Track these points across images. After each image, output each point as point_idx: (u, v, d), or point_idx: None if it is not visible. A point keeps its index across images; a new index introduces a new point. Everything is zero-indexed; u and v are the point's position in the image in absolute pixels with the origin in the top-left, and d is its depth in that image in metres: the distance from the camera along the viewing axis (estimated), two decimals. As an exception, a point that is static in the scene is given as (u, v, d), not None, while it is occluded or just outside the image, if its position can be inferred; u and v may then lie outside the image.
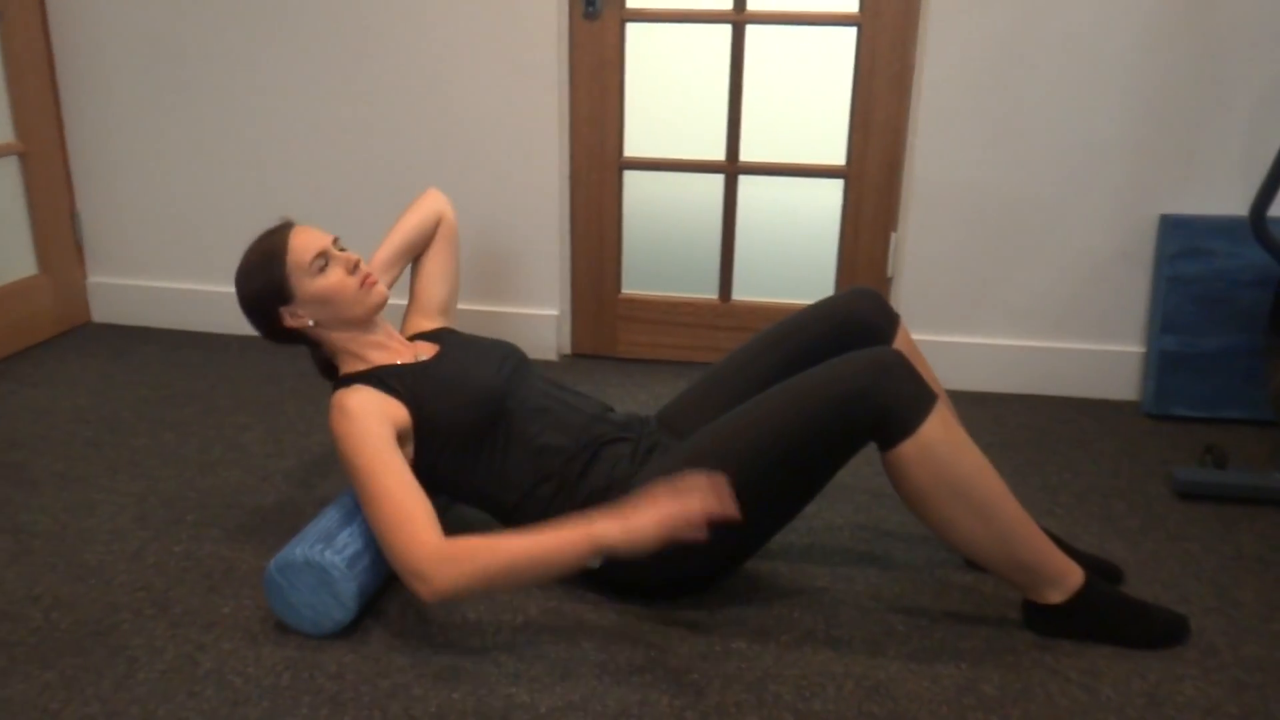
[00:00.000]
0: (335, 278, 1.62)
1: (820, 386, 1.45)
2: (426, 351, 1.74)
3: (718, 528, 1.47)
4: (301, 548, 1.50)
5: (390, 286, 1.88)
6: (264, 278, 1.63)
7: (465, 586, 1.39)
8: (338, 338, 1.68)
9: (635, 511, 1.38)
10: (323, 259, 1.62)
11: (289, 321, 1.65)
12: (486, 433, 1.63)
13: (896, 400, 1.41)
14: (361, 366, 1.68)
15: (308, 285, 1.62)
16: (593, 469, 1.61)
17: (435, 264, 1.96)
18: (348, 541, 1.54)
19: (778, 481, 1.48)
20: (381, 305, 1.68)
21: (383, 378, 1.63)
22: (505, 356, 1.75)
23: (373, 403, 1.56)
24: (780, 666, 1.48)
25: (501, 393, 1.65)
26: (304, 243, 1.63)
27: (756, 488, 1.48)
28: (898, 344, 1.73)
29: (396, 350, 1.71)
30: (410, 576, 1.41)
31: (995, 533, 1.45)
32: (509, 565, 1.38)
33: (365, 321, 1.67)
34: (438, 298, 1.95)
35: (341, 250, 1.67)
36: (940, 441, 1.42)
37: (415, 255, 1.96)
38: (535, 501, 1.62)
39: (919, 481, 1.44)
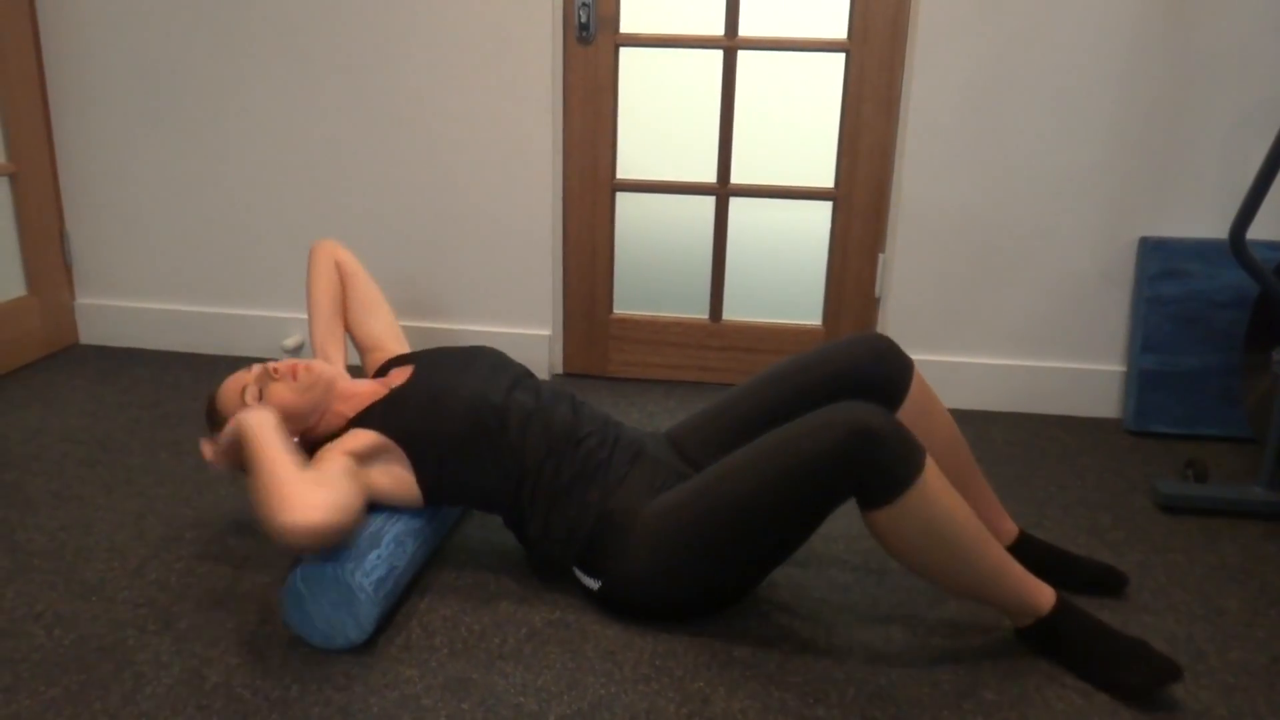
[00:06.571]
0: (275, 394, 1.69)
1: (802, 449, 1.42)
2: (400, 378, 1.78)
3: (716, 567, 1.51)
4: (332, 563, 1.51)
5: (342, 349, 2.00)
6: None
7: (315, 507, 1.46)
8: (319, 425, 1.74)
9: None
10: (254, 387, 1.69)
11: None
12: (481, 439, 1.64)
13: (872, 472, 1.38)
14: (340, 423, 1.75)
15: None
16: (593, 471, 1.64)
17: (357, 306, 2.02)
18: (376, 565, 1.55)
19: (764, 533, 1.48)
20: (325, 378, 1.72)
21: (357, 422, 1.69)
22: (480, 354, 1.79)
23: (333, 445, 1.64)
24: (784, 674, 1.50)
25: (485, 399, 1.66)
26: (226, 394, 1.72)
27: (743, 541, 1.48)
28: (913, 393, 1.69)
29: (368, 393, 1.77)
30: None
31: (971, 580, 1.47)
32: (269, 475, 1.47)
33: (326, 397, 1.72)
34: (376, 332, 2.01)
35: (272, 374, 1.71)
36: (916, 511, 1.40)
37: (340, 308, 2.03)
38: (539, 497, 1.64)
39: (893, 541, 1.44)
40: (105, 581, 1.72)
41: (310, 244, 2.09)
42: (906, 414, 1.67)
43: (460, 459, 1.64)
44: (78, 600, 1.66)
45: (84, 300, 2.95)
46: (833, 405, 1.44)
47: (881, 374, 1.66)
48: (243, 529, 1.91)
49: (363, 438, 1.64)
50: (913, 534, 1.41)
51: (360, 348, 2.03)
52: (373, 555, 1.56)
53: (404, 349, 2.02)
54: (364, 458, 1.62)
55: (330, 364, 1.86)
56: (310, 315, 2.01)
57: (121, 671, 1.48)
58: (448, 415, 1.63)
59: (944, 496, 1.42)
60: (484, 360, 1.79)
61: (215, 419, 1.75)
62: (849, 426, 1.38)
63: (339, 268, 2.04)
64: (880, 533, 1.44)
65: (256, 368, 1.72)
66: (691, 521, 1.50)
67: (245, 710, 1.40)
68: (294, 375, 1.69)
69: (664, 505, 1.56)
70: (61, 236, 2.88)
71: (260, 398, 1.69)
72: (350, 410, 1.75)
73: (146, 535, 1.88)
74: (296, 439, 1.73)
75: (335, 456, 1.58)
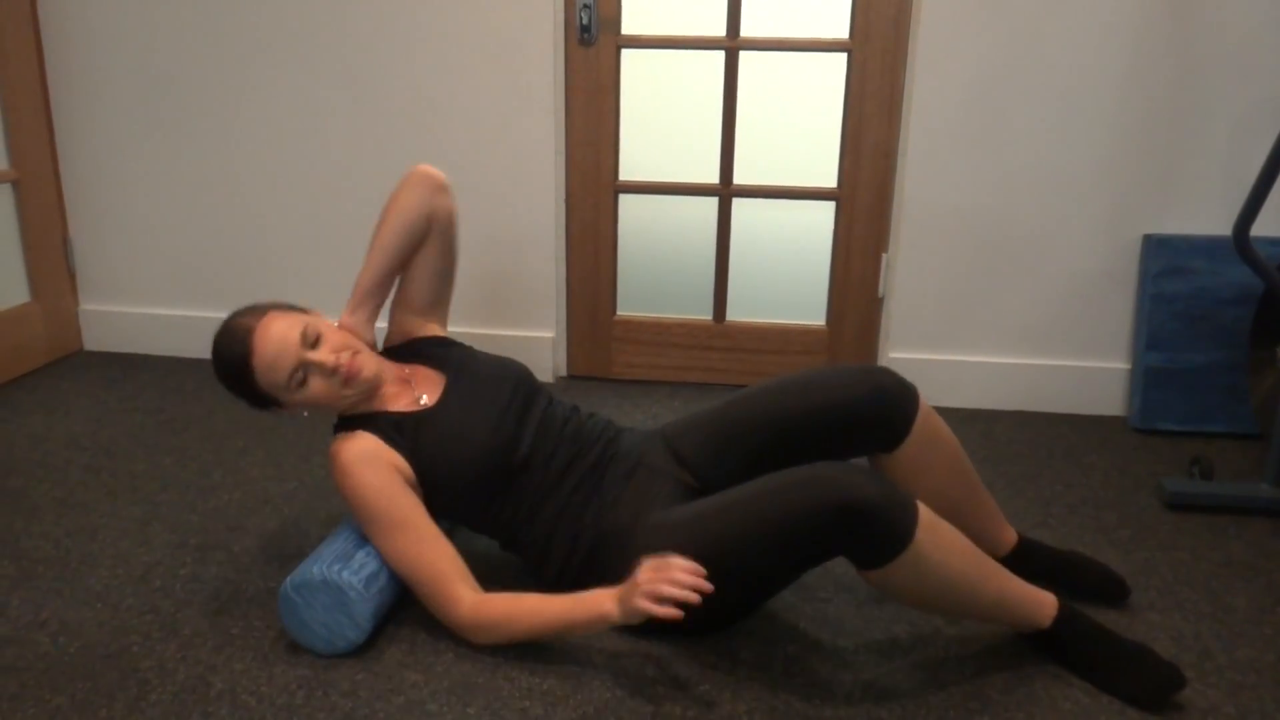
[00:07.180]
0: (315, 389, 1.57)
1: (792, 509, 1.39)
2: (428, 388, 1.69)
3: (708, 597, 1.49)
4: (319, 566, 1.51)
5: (377, 314, 1.75)
6: (242, 389, 1.59)
7: (497, 643, 1.55)
8: (339, 410, 1.67)
9: (630, 597, 1.39)
10: (299, 372, 1.55)
11: (287, 411, 1.64)
12: (498, 481, 1.62)
13: (861, 544, 1.37)
14: (357, 412, 1.66)
15: (291, 398, 1.59)
16: (592, 500, 1.63)
17: (426, 264, 1.78)
18: (364, 562, 1.55)
19: (752, 574, 1.47)
20: (375, 386, 1.64)
21: (382, 425, 1.62)
22: (514, 389, 1.70)
23: (374, 452, 1.57)
24: (789, 676, 1.50)
25: (509, 447, 1.62)
26: (272, 359, 1.54)
27: (731, 579, 1.47)
28: (918, 425, 1.62)
29: (394, 393, 1.68)
30: (452, 631, 1.56)
31: (969, 612, 1.47)
32: (530, 631, 1.51)
33: (362, 397, 1.65)
34: (427, 298, 1.80)
35: (313, 343, 1.57)
36: (910, 569, 1.38)
37: (403, 265, 1.77)
38: (537, 525, 1.63)
39: (887, 591, 1.44)
40: (110, 588, 1.72)
41: (409, 169, 1.75)
42: (910, 446, 1.63)
43: (471, 496, 1.62)
44: (82, 607, 1.66)
45: (87, 306, 2.96)
46: (824, 466, 1.41)
47: (882, 413, 1.60)
48: (247, 535, 1.91)
49: (399, 462, 1.59)
50: (907, 588, 1.41)
51: (401, 303, 1.81)
52: (360, 553, 1.56)
53: (445, 328, 1.87)
54: (404, 482, 1.59)
55: (359, 324, 1.71)
56: (370, 253, 1.72)
57: (126, 679, 1.48)
58: (469, 458, 1.60)
59: (938, 551, 1.39)
60: (511, 387, 1.70)
61: (241, 367, 1.56)
62: (838, 502, 1.35)
63: (431, 220, 1.74)
64: (874, 585, 1.43)
65: (311, 331, 1.57)
66: (682, 551, 1.48)
67: (250, 717, 1.40)
68: (347, 382, 1.58)
69: (658, 529, 1.53)
70: (65, 242, 2.89)
71: (305, 382, 1.56)
72: (374, 406, 1.66)
73: (151, 542, 1.88)
74: (307, 414, 1.68)
75: (402, 504, 1.55)
